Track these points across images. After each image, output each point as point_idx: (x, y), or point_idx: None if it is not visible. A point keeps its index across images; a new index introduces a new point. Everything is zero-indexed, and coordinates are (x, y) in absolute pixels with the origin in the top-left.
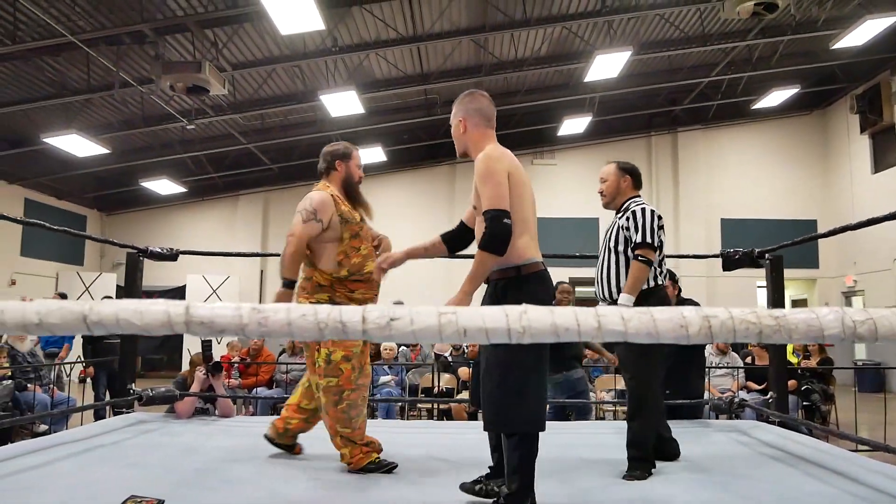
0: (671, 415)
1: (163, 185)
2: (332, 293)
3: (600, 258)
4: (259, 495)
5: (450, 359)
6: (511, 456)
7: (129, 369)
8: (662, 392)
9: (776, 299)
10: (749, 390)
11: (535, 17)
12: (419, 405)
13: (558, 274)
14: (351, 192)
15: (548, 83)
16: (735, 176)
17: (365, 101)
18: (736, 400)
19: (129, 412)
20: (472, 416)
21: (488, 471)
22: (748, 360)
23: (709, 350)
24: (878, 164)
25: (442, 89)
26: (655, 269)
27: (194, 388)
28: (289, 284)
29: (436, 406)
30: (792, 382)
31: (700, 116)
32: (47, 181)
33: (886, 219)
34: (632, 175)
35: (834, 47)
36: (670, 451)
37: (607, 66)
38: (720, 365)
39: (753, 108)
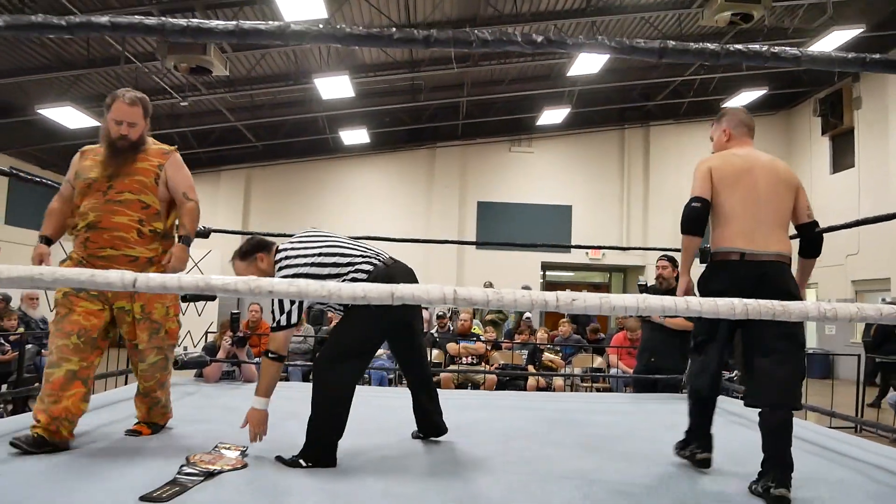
0: (652, 388)
1: None
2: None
3: None
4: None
5: (436, 335)
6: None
7: None
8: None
9: None
10: None
11: (523, 12)
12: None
13: (531, 259)
14: (109, 147)
15: (529, 75)
16: None
17: (355, 85)
18: None
19: None
20: (460, 386)
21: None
22: None
23: None
24: (837, 166)
25: (428, 76)
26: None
27: (221, 354)
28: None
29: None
30: None
31: (672, 112)
32: (33, 151)
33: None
34: (259, 247)
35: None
36: None
37: (589, 62)
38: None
39: (723, 106)
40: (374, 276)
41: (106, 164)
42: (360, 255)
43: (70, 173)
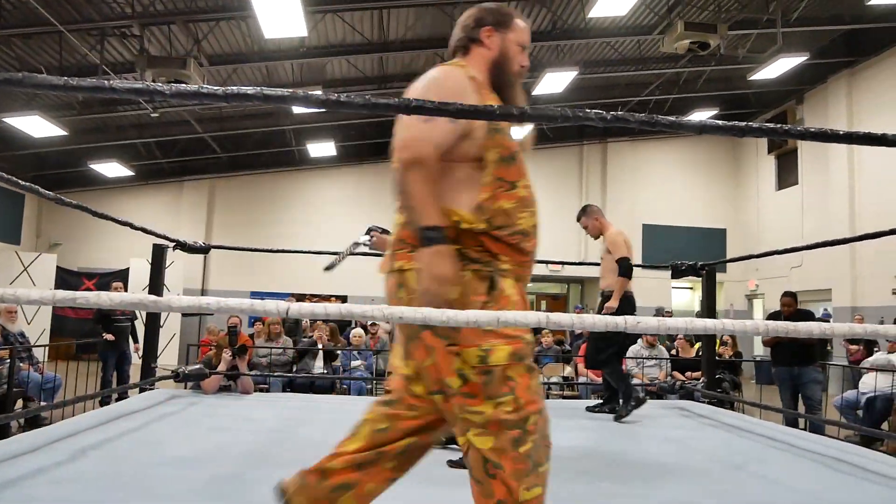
0: None
1: (109, 168)
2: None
3: None
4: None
5: None
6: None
7: (153, 350)
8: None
9: (709, 303)
10: (674, 379)
11: None
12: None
13: None
14: (503, 84)
15: None
16: (657, 185)
17: None
18: (677, 384)
19: (151, 389)
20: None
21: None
22: (673, 352)
23: (639, 344)
24: (781, 183)
25: (397, 92)
26: None
27: (221, 367)
28: (433, 236)
29: None
30: None
31: (628, 129)
32: None
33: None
34: None
35: (751, 78)
36: None
37: (555, 82)
38: (650, 356)
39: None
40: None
41: None
42: None
43: (466, 123)
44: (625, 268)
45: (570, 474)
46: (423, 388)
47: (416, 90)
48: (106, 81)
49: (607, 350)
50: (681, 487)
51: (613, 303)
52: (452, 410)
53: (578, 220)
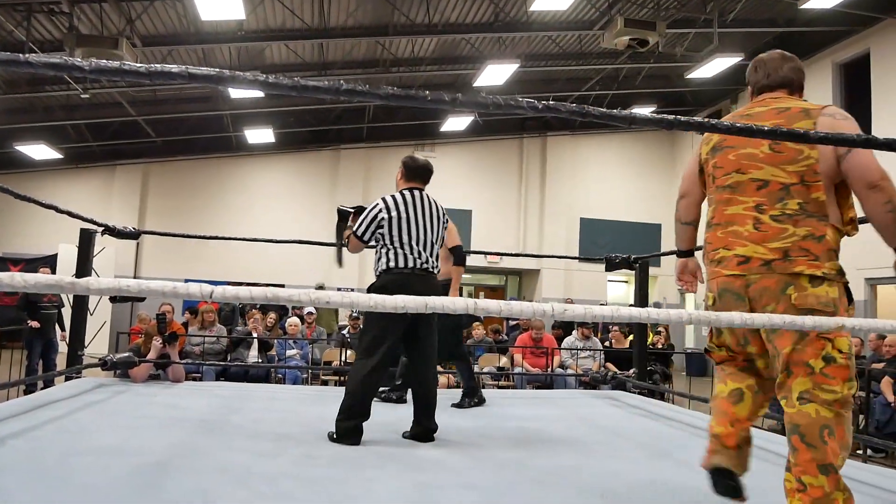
0: None
1: (37, 150)
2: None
3: None
4: (266, 434)
5: (348, 336)
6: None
7: (79, 337)
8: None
9: (642, 295)
10: (607, 370)
11: (434, 23)
12: (322, 375)
13: None
14: None
15: (436, 82)
16: (595, 180)
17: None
18: (609, 375)
19: (78, 377)
20: None
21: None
22: (607, 343)
23: (574, 336)
24: None
25: (337, 79)
26: (395, 252)
27: (151, 355)
28: None
29: (339, 377)
30: None
31: (568, 124)
32: None
33: None
34: (405, 167)
35: (688, 76)
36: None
37: (496, 74)
38: (584, 348)
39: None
40: (391, 279)
41: None
42: (406, 248)
43: None
44: (462, 257)
45: (508, 456)
46: (766, 363)
47: (846, 123)
48: (21, 55)
49: (461, 343)
50: (607, 471)
51: (454, 294)
52: (796, 382)
53: None
